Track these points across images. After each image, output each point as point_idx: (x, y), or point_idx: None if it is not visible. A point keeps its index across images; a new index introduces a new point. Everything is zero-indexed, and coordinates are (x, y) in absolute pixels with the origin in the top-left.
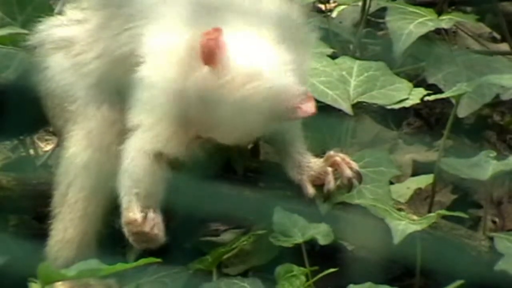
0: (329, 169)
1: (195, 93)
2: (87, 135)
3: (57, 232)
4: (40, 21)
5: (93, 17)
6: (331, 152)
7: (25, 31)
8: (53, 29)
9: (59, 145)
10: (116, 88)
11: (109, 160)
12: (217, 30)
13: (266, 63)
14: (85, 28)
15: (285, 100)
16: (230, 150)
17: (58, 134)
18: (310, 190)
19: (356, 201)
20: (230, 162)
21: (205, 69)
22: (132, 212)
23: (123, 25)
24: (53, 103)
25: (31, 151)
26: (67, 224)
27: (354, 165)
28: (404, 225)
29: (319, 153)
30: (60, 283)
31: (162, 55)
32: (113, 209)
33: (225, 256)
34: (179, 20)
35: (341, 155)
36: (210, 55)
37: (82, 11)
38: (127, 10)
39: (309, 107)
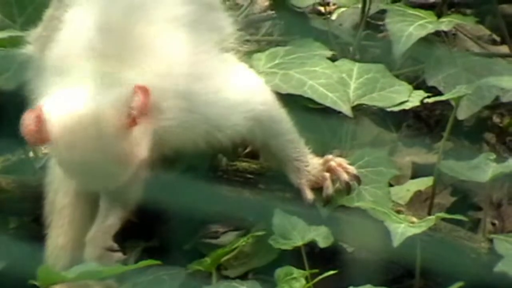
0: (327, 174)
1: None
2: None
3: (52, 240)
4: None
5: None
6: (329, 156)
7: (25, 34)
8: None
9: None
10: None
11: None
12: (35, 111)
13: (83, 102)
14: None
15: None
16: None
17: None
18: (309, 196)
19: (356, 204)
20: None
21: None
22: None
23: None
24: None
25: (31, 153)
26: (59, 231)
27: (351, 169)
28: (403, 228)
29: (320, 155)
30: (58, 285)
31: None
32: None
33: (225, 258)
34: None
35: (338, 159)
36: (37, 138)
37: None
38: None
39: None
